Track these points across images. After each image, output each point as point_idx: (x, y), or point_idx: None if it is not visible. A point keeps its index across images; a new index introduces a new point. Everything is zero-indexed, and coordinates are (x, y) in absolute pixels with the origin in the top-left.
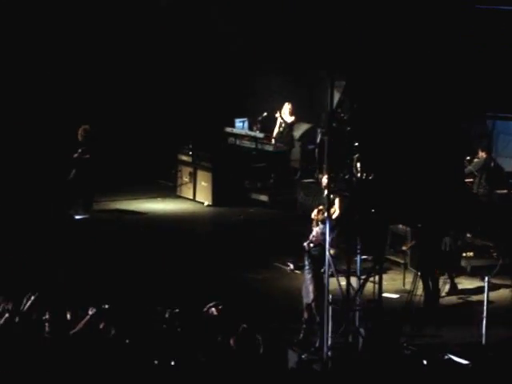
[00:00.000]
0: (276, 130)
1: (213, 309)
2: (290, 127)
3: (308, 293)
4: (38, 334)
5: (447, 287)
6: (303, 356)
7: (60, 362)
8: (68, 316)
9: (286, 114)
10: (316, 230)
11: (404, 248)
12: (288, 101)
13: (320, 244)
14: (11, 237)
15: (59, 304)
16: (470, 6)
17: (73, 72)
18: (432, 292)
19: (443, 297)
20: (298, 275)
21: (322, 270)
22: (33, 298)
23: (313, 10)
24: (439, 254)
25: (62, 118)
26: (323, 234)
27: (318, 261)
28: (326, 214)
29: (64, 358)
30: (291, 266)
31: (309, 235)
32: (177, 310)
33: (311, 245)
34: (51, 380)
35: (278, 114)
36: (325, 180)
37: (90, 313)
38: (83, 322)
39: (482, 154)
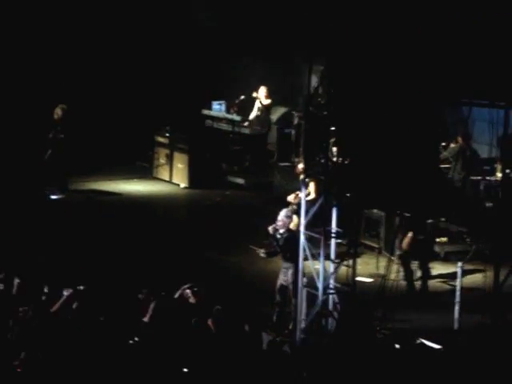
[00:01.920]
0: (253, 113)
1: (187, 291)
2: (266, 110)
3: (286, 276)
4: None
5: (419, 273)
6: (277, 339)
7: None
8: (45, 290)
9: (262, 96)
10: (281, 214)
11: None
12: (264, 84)
13: (288, 228)
14: None
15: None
16: None
17: (49, 51)
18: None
19: (416, 280)
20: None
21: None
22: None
23: None
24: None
25: (38, 97)
26: (288, 217)
27: (291, 244)
28: (301, 197)
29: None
30: (262, 253)
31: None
32: (148, 291)
33: (279, 229)
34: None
35: (255, 94)
36: (301, 164)
37: (66, 293)
38: (59, 302)
39: (459, 140)
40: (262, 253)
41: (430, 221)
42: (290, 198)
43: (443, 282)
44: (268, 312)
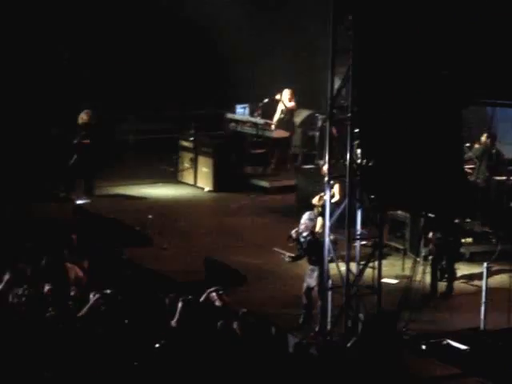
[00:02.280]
0: (276, 116)
1: (213, 294)
2: (290, 113)
3: (311, 278)
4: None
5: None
6: (304, 341)
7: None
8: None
9: (285, 99)
10: (304, 217)
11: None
12: (288, 87)
13: (311, 231)
14: (8, 223)
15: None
16: None
17: (76, 55)
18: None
19: (441, 281)
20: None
21: (329, 258)
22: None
23: None
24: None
25: (63, 103)
26: (311, 220)
27: (316, 247)
28: (326, 199)
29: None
30: (287, 256)
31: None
32: (175, 295)
33: (302, 232)
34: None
35: (278, 96)
36: (325, 166)
37: (93, 297)
38: (87, 306)
39: (484, 141)
40: (286, 257)
41: (455, 221)
42: (315, 200)
43: (469, 282)
44: (294, 314)
